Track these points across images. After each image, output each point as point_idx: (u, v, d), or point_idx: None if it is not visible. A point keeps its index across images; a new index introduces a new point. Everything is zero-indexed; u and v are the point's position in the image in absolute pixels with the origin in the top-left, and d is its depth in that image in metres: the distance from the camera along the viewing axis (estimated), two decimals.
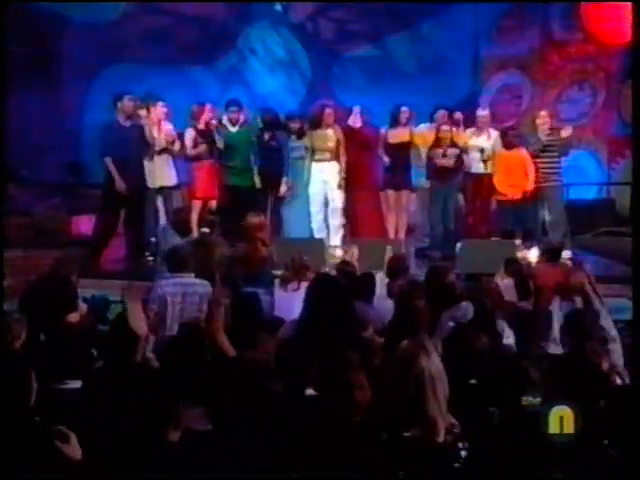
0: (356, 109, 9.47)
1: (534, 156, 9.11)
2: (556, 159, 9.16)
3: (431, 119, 9.51)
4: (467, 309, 5.50)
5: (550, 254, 7.57)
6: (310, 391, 3.78)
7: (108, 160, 8.58)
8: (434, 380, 2.65)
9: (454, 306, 5.43)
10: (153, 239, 8.70)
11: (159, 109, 8.96)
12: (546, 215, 9.20)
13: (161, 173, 9.04)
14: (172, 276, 5.97)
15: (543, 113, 9.41)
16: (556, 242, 8.01)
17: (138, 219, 8.90)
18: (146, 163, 8.91)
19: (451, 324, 5.16)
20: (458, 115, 9.56)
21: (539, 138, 9.09)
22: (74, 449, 2.89)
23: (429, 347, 2.74)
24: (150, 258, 8.53)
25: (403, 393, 2.67)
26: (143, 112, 8.81)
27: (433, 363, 2.68)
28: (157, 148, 8.96)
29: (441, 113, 9.43)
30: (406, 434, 2.66)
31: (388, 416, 2.73)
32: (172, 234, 7.52)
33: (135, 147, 8.76)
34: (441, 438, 2.65)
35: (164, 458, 3.02)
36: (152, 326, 5.36)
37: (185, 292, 5.81)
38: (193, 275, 6.02)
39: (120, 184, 8.54)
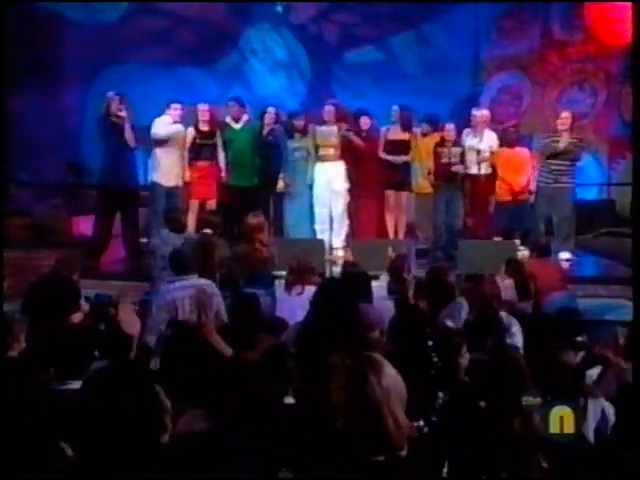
0: (364, 119, 9.40)
1: (548, 157, 9.08)
2: (568, 161, 9.11)
3: (419, 127, 9.46)
4: (462, 305, 5.50)
5: (539, 251, 7.64)
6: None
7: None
8: (388, 395, 2.50)
9: (452, 303, 5.44)
10: (144, 239, 8.71)
11: (173, 112, 8.94)
12: (553, 216, 9.17)
13: (174, 172, 9.03)
14: (178, 279, 5.94)
15: (565, 114, 9.27)
16: (543, 240, 8.01)
17: (134, 220, 8.88)
18: (163, 162, 8.91)
19: (449, 323, 5.16)
20: (450, 127, 9.39)
21: (558, 144, 9.01)
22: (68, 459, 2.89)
23: (377, 362, 2.58)
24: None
25: (357, 414, 2.57)
26: (123, 113, 8.76)
27: (384, 377, 2.53)
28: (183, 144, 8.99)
29: (427, 127, 9.36)
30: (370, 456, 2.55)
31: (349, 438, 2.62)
32: (167, 234, 7.52)
33: (128, 147, 8.76)
34: (404, 451, 2.53)
35: (163, 458, 3.02)
36: (152, 329, 5.39)
37: (191, 295, 5.70)
38: (197, 276, 5.98)
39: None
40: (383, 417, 2.48)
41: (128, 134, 8.72)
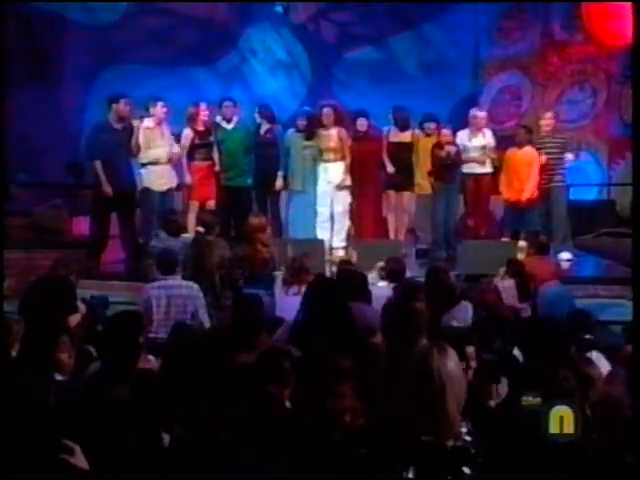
0: (361, 121, 9.39)
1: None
2: (557, 159, 9.14)
3: (421, 127, 9.45)
4: (467, 308, 5.51)
5: (536, 248, 7.66)
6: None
7: (97, 163, 8.52)
8: (449, 382, 2.63)
9: (454, 307, 5.44)
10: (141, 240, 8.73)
11: (159, 109, 8.91)
12: (551, 215, 9.17)
13: (168, 175, 9.01)
14: (158, 279, 6.20)
15: (548, 114, 9.40)
16: (542, 238, 8.02)
17: (130, 221, 8.87)
18: (152, 166, 8.88)
19: (455, 323, 5.16)
20: (447, 132, 9.34)
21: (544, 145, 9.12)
22: (80, 460, 2.88)
23: (447, 349, 2.72)
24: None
25: (417, 393, 2.64)
26: (136, 122, 8.74)
27: (449, 365, 2.65)
28: (165, 149, 8.92)
29: (430, 126, 9.34)
30: (420, 437, 2.62)
31: (401, 418, 2.69)
32: (166, 237, 7.54)
33: (124, 150, 8.70)
34: (450, 442, 2.62)
35: (166, 459, 3.02)
36: None
37: (169, 294, 6.01)
38: (179, 277, 6.23)
39: (107, 188, 8.48)
40: (441, 401, 2.61)
41: (135, 141, 8.73)
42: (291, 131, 9.37)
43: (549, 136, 9.21)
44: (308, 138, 9.26)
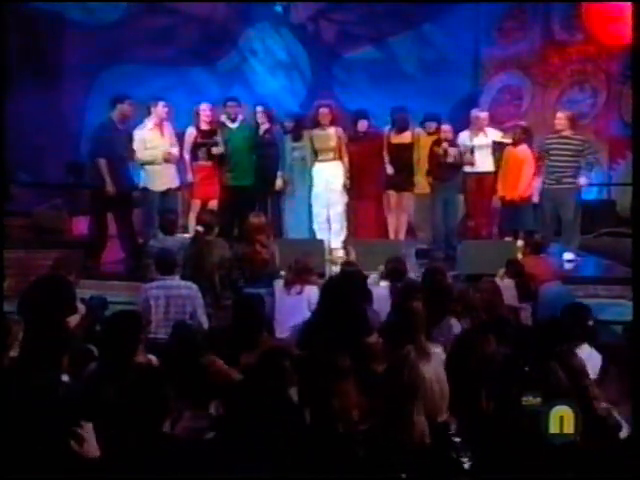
0: (362, 122, 9.38)
1: (541, 157, 9.11)
2: (568, 160, 9.10)
3: (422, 126, 9.44)
4: (452, 324, 5.46)
5: (532, 247, 7.67)
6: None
7: (102, 162, 8.53)
8: (421, 385, 2.59)
9: (442, 322, 5.41)
10: (141, 240, 8.74)
11: (160, 109, 8.91)
12: (561, 217, 9.16)
13: (167, 175, 9.01)
14: (157, 279, 6.23)
15: (560, 114, 9.32)
16: (537, 237, 8.02)
17: (128, 221, 8.86)
18: (150, 166, 8.87)
19: (442, 339, 5.14)
20: (447, 128, 9.35)
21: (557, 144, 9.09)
22: (91, 447, 2.88)
23: (428, 351, 2.69)
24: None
25: (388, 395, 2.63)
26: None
27: (425, 369, 2.62)
28: (162, 150, 8.91)
29: (432, 125, 9.33)
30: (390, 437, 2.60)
31: (376, 420, 2.69)
32: (163, 236, 7.56)
33: (125, 150, 8.72)
34: (427, 441, 2.60)
35: (165, 458, 3.02)
36: None
37: (169, 295, 6.04)
38: (178, 277, 6.25)
39: (110, 187, 8.50)
40: (410, 403, 2.61)
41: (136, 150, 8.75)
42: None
43: (564, 137, 9.12)
44: (296, 140, 9.27)
